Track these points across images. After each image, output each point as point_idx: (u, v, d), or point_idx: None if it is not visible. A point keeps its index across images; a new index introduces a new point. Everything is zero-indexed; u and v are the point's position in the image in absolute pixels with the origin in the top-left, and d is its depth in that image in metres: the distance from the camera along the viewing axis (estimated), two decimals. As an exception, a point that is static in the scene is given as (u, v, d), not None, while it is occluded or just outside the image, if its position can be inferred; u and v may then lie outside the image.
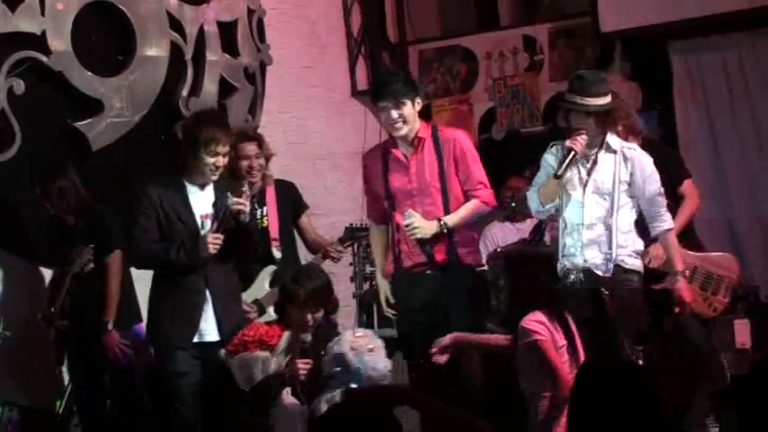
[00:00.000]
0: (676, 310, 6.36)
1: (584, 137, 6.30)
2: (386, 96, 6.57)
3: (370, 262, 8.57)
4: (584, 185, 6.39)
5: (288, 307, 6.13)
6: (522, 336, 5.90)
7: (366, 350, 5.81)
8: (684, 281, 6.45)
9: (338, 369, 5.85)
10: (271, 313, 6.85)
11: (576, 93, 6.36)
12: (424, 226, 6.50)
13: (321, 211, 8.74)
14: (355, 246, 8.33)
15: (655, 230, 6.43)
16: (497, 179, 8.61)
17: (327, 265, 7.47)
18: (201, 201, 6.49)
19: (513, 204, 8.16)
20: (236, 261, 6.51)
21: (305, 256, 7.47)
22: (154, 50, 8.36)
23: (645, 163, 6.42)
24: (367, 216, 7.08)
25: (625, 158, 6.39)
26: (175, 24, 8.48)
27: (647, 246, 6.56)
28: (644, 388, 3.92)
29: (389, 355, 6.51)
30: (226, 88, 8.78)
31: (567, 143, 6.31)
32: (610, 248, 6.32)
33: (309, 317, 6.05)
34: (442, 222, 6.52)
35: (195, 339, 6.38)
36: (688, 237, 7.05)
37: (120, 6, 8.18)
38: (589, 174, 6.40)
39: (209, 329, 6.39)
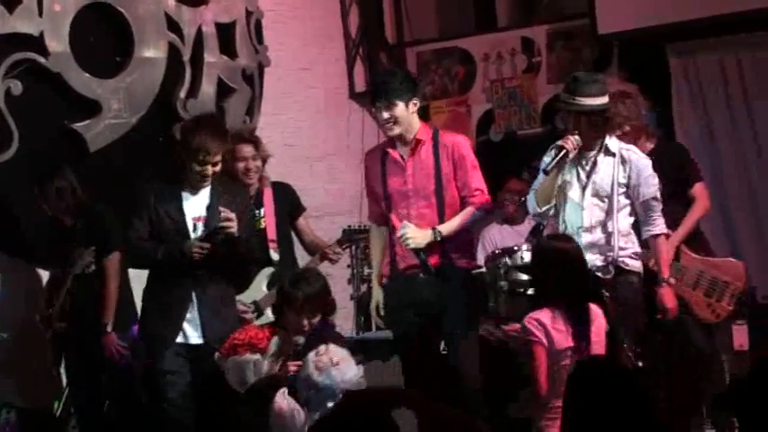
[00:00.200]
0: (659, 316, 6.35)
1: (576, 137, 6.32)
2: (379, 96, 6.57)
3: (368, 264, 8.57)
4: (584, 188, 6.41)
5: (285, 310, 6.13)
6: (522, 332, 5.91)
7: (331, 365, 5.79)
8: (669, 288, 6.44)
9: (312, 392, 5.85)
10: (269, 315, 6.85)
11: (570, 93, 6.39)
12: (417, 236, 6.48)
13: (318, 213, 8.74)
14: (353, 248, 8.33)
15: (645, 234, 6.44)
16: (495, 181, 8.61)
17: (325, 267, 7.46)
18: (195, 203, 6.48)
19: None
20: (229, 267, 6.50)
21: (303, 257, 7.47)
22: (152, 52, 8.35)
23: (642, 166, 6.43)
24: (368, 217, 7.07)
25: (623, 161, 6.40)
26: (173, 26, 8.48)
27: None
28: (635, 389, 3.93)
29: (387, 357, 6.52)
30: (224, 90, 8.78)
31: (559, 142, 6.35)
32: (610, 251, 6.34)
33: (306, 321, 6.04)
34: (436, 231, 6.49)
35: (180, 340, 6.39)
36: (696, 240, 7.05)
37: (118, 8, 8.18)
38: (588, 177, 6.42)
39: (193, 332, 6.41)
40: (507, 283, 7.42)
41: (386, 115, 6.53)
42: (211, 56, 8.71)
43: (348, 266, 8.51)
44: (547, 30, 9.67)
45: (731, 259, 7.23)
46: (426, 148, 6.58)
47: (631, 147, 6.55)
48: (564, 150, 6.30)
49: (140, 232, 6.46)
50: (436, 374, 6.43)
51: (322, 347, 5.87)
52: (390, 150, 6.67)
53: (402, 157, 6.64)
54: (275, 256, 7.18)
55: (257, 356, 6.05)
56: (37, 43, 7.79)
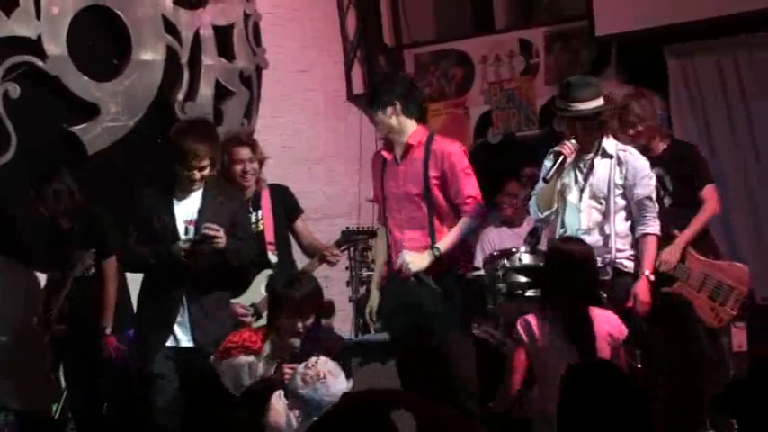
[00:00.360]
0: (629, 304, 6.29)
1: (573, 142, 6.34)
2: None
3: (367, 266, 8.58)
4: (581, 191, 6.42)
5: (277, 313, 6.12)
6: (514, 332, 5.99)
7: (317, 379, 5.77)
8: (646, 281, 6.38)
9: (298, 403, 5.84)
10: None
11: (564, 98, 6.40)
12: (417, 261, 6.47)
13: (317, 216, 8.75)
14: (351, 250, 8.33)
15: (638, 233, 6.44)
16: (493, 183, 8.62)
17: (324, 269, 7.46)
18: (187, 207, 6.48)
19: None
20: (222, 271, 6.50)
21: (301, 259, 7.46)
22: (149, 55, 8.36)
23: (639, 166, 6.44)
24: (377, 219, 7.08)
25: (620, 162, 6.41)
26: (171, 28, 8.49)
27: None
28: (629, 391, 3.93)
29: (385, 360, 6.51)
30: (221, 92, 8.79)
31: (556, 148, 6.36)
32: (607, 252, 6.34)
33: (300, 324, 6.03)
34: (434, 249, 6.47)
35: (170, 343, 6.40)
36: (704, 242, 7.04)
37: (116, 10, 8.18)
38: (585, 179, 6.43)
39: (184, 335, 6.42)
40: (506, 285, 7.43)
41: (375, 120, 6.63)
42: (209, 58, 8.71)
43: (347, 269, 8.51)
44: (545, 32, 9.68)
45: (737, 263, 7.19)
46: (418, 153, 6.57)
47: (628, 148, 6.55)
48: (562, 157, 6.31)
49: (133, 237, 6.48)
50: (432, 376, 6.42)
51: (312, 359, 5.84)
52: (384, 153, 6.70)
53: (396, 160, 6.65)
54: (273, 258, 7.17)
55: (251, 358, 6.04)
56: (35, 46, 7.79)
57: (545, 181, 6.35)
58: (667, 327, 6.88)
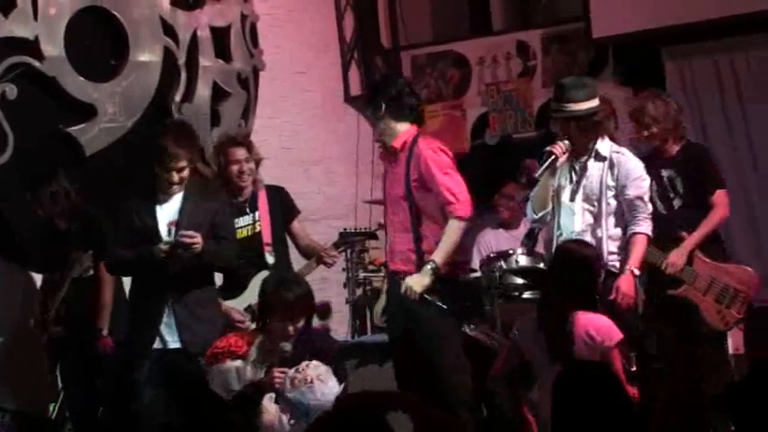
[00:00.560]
0: (611, 297, 6.26)
1: (566, 142, 6.34)
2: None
3: (364, 267, 8.59)
4: (575, 193, 6.42)
5: (268, 316, 6.09)
6: None
7: (304, 384, 5.75)
8: (631, 276, 6.32)
9: (290, 407, 5.83)
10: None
11: (558, 100, 6.42)
12: (417, 282, 6.41)
13: (315, 217, 8.74)
14: (348, 251, 8.33)
15: (628, 232, 6.42)
16: (490, 184, 8.62)
17: (321, 270, 7.46)
18: (169, 208, 6.49)
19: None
20: (207, 272, 6.52)
21: (299, 261, 7.46)
22: (147, 56, 8.36)
23: (631, 167, 6.43)
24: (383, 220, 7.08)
25: (612, 164, 6.41)
26: (168, 30, 8.49)
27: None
28: (620, 393, 3.93)
29: (382, 361, 6.50)
30: (219, 93, 8.79)
31: (548, 148, 6.37)
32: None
33: (290, 327, 5.99)
34: (431, 264, 6.39)
35: (158, 346, 6.40)
36: (713, 245, 7.04)
37: (114, 12, 8.18)
38: (579, 181, 6.43)
39: (170, 337, 6.43)
40: (502, 287, 7.44)
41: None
42: (206, 60, 8.71)
43: (343, 270, 8.50)
44: (542, 33, 9.68)
45: (744, 267, 7.18)
46: (403, 155, 6.57)
47: (622, 149, 6.55)
48: (552, 156, 6.32)
49: (119, 241, 6.51)
50: (429, 379, 6.42)
51: (303, 364, 5.81)
52: (381, 156, 6.75)
53: (390, 162, 6.68)
54: (270, 259, 7.17)
55: (239, 363, 6.01)
56: (32, 47, 7.79)
57: (535, 179, 6.37)
58: (672, 328, 6.90)
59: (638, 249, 6.38)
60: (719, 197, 7.06)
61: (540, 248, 7.22)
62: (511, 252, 7.52)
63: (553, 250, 6.39)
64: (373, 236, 7.99)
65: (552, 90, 6.77)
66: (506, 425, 6.13)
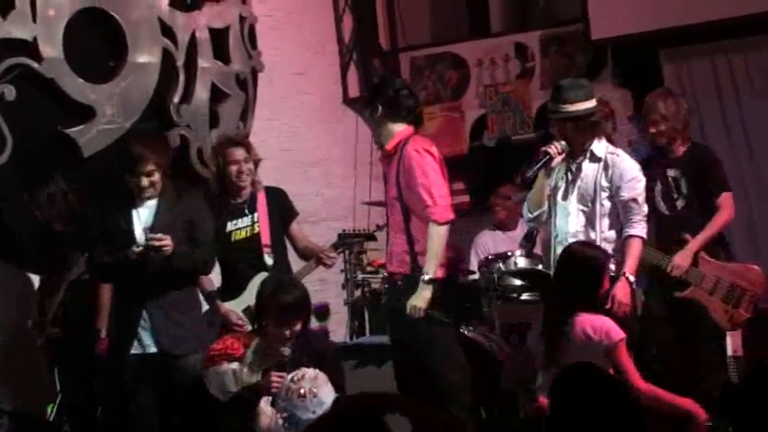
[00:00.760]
0: (607, 306, 6.25)
1: (562, 142, 6.35)
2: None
3: (362, 269, 8.58)
4: (570, 194, 6.43)
5: (265, 320, 6.07)
6: None
7: (297, 397, 5.73)
8: (626, 283, 6.32)
9: (285, 415, 5.82)
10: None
11: (555, 101, 6.43)
12: (418, 300, 6.37)
13: (313, 218, 8.75)
14: (346, 253, 8.33)
15: (623, 235, 6.41)
16: (489, 186, 8.63)
17: (319, 272, 7.46)
18: (144, 213, 6.50)
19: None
20: (184, 276, 6.52)
21: (298, 262, 7.46)
22: (145, 57, 8.35)
23: (626, 168, 6.43)
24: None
25: (607, 165, 6.41)
26: (167, 31, 8.48)
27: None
28: (617, 395, 3.93)
29: (381, 363, 6.50)
30: (217, 95, 8.78)
31: (543, 147, 6.37)
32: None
33: (287, 331, 5.98)
34: (426, 279, 6.36)
35: (137, 351, 6.42)
36: (718, 245, 7.03)
37: (112, 13, 8.17)
38: (574, 182, 6.44)
39: (149, 341, 6.44)
40: (501, 289, 7.44)
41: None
42: (205, 61, 8.71)
43: (342, 271, 8.50)
44: (540, 35, 9.69)
45: (751, 265, 7.18)
46: (396, 156, 6.58)
47: (618, 150, 6.57)
48: (547, 156, 6.33)
49: (100, 249, 6.53)
50: (426, 379, 6.42)
51: (300, 372, 5.78)
52: (380, 158, 6.76)
53: (387, 164, 6.69)
54: (269, 260, 7.17)
55: (235, 365, 6.01)
56: (30, 48, 7.78)
57: (530, 178, 6.37)
58: (673, 329, 6.90)
59: (634, 254, 6.36)
60: (725, 199, 7.07)
61: (538, 250, 7.23)
62: (509, 254, 7.53)
63: (550, 251, 6.40)
64: (372, 237, 7.99)
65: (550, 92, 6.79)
66: (526, 425, 6.10)
